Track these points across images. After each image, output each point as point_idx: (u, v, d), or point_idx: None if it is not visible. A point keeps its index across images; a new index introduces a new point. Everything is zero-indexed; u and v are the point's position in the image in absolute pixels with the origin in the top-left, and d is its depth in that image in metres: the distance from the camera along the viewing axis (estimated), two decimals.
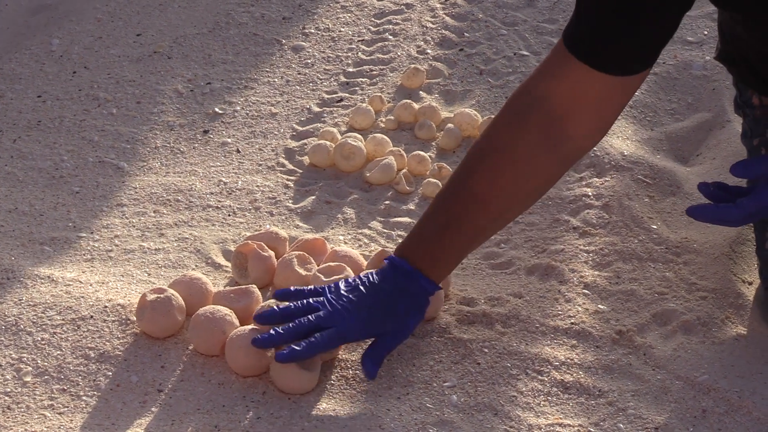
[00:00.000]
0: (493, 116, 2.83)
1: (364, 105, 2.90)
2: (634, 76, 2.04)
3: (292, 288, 2.17)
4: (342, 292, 2.11)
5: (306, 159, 2.78)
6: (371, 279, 2.12)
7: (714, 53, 2.41)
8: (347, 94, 2.99)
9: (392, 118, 2.88)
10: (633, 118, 2.88)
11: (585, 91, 2.02)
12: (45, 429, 2.07)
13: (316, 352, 2.07)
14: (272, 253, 2.40)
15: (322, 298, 2.11)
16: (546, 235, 2.51)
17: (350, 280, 2.14)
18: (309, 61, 3.12)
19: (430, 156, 2.76)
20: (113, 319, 2.28)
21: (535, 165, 2.06)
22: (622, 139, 2.78)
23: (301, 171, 2.75)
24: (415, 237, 2.13)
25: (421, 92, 2.98)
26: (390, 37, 3.18)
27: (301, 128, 2.89)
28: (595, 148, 2.72)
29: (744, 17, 2.13)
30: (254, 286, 2.31)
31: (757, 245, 2.32)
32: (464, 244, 2.13)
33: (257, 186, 2.70)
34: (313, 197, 2.67)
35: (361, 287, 2.11)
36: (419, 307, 2.12)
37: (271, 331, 2.10)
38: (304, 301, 2.12)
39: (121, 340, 2.24)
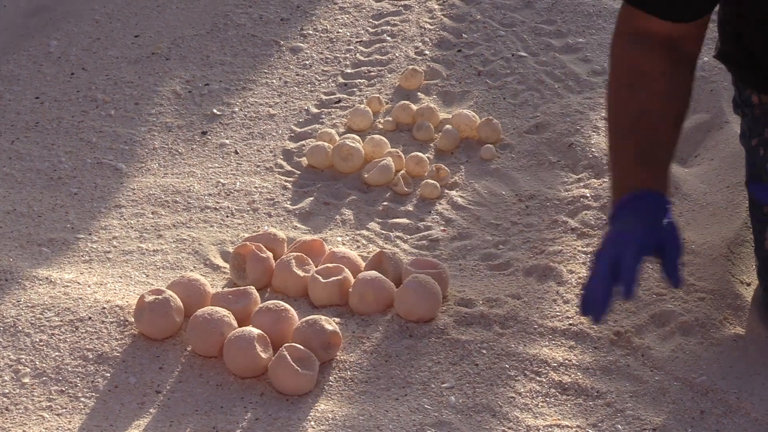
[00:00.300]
0: (491, 118, 2.83)
1: (362, 106, 2.90)
2: (688, 23, 2.11)
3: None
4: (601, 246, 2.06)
5: (304, 160, 2.78)
6: (610, 228, 2.07)
7: (713, 52, 2.41)
8: (345, 96, 2.99)
9: (390, 119, 2.89)
10: None
11: (659, 27, 2.09)
12: (43, 430, 2.07)
13: (631, 272, 1.96)
14: (270, 255, 2.40)
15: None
16: (544, 236, 2.52)
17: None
18: (307, 62, 3.12)
19: (428, 157, 2.76)
20: (111, 320, 2.28)
21: (671, 75, 2.11)
22: None
23: (299, 172, 2.75)
24: (616, 178, 2.12)
25: (419, 93, 2.99)
26: (388, 38, 3.18)
27: (299, 129, 2.89)
28: (593, 149, 2.73)
29: None
30: (252, 287, 2.31)
31: (756, 245, 2.32)
32: (661, 155, 2.13)
33: (255, 187, 2.71)
34: (312, 198, 2.67)
35: (611, 232, 2.05)
36: (665, 213, 2.05)
37: (586, 301, 2.00)
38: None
39: (120, 342, 2.24)
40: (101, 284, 2.39)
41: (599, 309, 1.98)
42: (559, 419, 2.10)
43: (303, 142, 2.84)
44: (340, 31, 3.22)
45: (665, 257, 2.02)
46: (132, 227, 2.58)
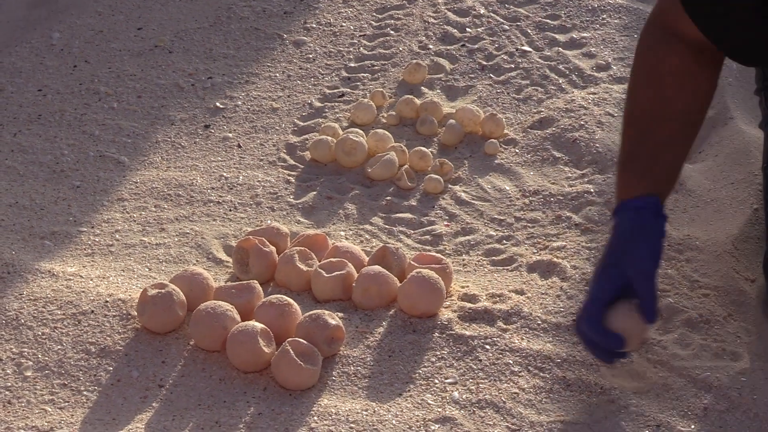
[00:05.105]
0: (495, 113, 2.83)
1: (365, 100, 2.90)
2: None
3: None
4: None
5: (307, 154, 2.77)
6: (611, 237, 2.10)
7: None
8: (349, 89, 2.99)
9: (394, 113, 2.88)
10: None
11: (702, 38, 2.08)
12: (45, 423, 2.07)
13: (590, 327, 2.04)
14: (273, 249, 2.39)
15: None
16: (548, 231, 2.51)
17: None
18: (310, 55, 3.11)
19: (431, 152, 2.76)
20: (114, 314, 2.27)
21: (695, 81, 2.10)
22: None
23: (302, 166, 2.75)
24: (622, 180, 2.12)
25: (422, 88, 2.98)
26: (392, 32, 3.17)
27: (302, 123, 2.88)
28: (597, 145, 2.72)
29: None
30: (255, 281, 2.31)
31: None
32: (671, 160, 2.13)
33: (258, 181, 2.70)
34: (315, 192, 2.66)
35: (606, 249, 2.08)
36: (659, 231, 2.08)
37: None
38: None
39: (122, 335, 2.23)
40: (104, 278, 2.38)
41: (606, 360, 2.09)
42: (562, 415, 2.09)
43: (306, 136, 2.83)
44: (344, 24, 3.22)
45: (643, 292, 2.03)
46: (135, 220, 2.58)
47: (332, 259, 2.35)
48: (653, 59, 2.10)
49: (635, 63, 2.14)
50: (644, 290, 2.02)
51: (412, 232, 2.54)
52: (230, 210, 2.62)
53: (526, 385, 2.14)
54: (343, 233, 2.54)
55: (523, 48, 3.10)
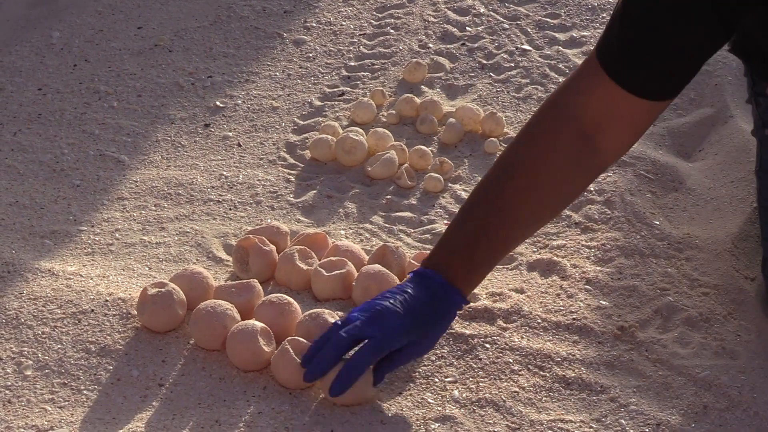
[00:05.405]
0: (494, 111, 2.83)
1: (365, 99, 2.90)
2: (659, 102, 2.05)
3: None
4: (376, 300, 2.04)
5: (307, 153, 2.77)
6: (404, 289, 2.06)
7: (728, 45, 2.40)
8: (349, 88, 2.99)
9: (394, 112, 2.88)
10: None
11: (614, 107, 2.02)
12: (45, 423, 2.07)
13: (364, 368, 2.00)
14: (273, 248, 2.39)
15: (354, 314, 2.05)
16: (548, 230, 2.51)
17: (382, 293, 2.08)
18: (310, 54, 3.11)
19: (431, 150, 2.76)
20: (114, 313, 2.27)
21: (566, 179, 2.06)
22: None
23: (302, 165, 2.75)
24: (444, 250, 2.08)
25: (422, 86, 2.98)
26: (392, 30, 3.17)
27: (302, 122, 2.88)
28: None
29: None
30: (255, 280, 2.30)
31: (763, 236, 2.31)
32: (494, 255, 2.10)
33: (258, 180, 2.70)
34: (315, 191, 2.66)
35: (397, 296, 2.04)
36: (447, 321, 2.10)
37: (315, 360, 2.03)
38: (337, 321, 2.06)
39: (122, 334, 2.23)
40: (104, 277, 2.38)
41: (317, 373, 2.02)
42: (562, 414, 2.09)
43: (306, 135, 2.83)
44: (344, 23, 3.22)
45: (397, 355, 2.02)
46: (134, 219, 2.58)
47: (332, 258, 2.35)
48: (541, 151, 2.03)
49: (522, 144, 2.06)
50: (399, 364, 2.05)
51: (412, 230, 2.54)
52: (230, 209, 2.62)
53: (526, 384, 2.14)
54: (343, 232, 2.54)
55: (523, 47, 3.10)
